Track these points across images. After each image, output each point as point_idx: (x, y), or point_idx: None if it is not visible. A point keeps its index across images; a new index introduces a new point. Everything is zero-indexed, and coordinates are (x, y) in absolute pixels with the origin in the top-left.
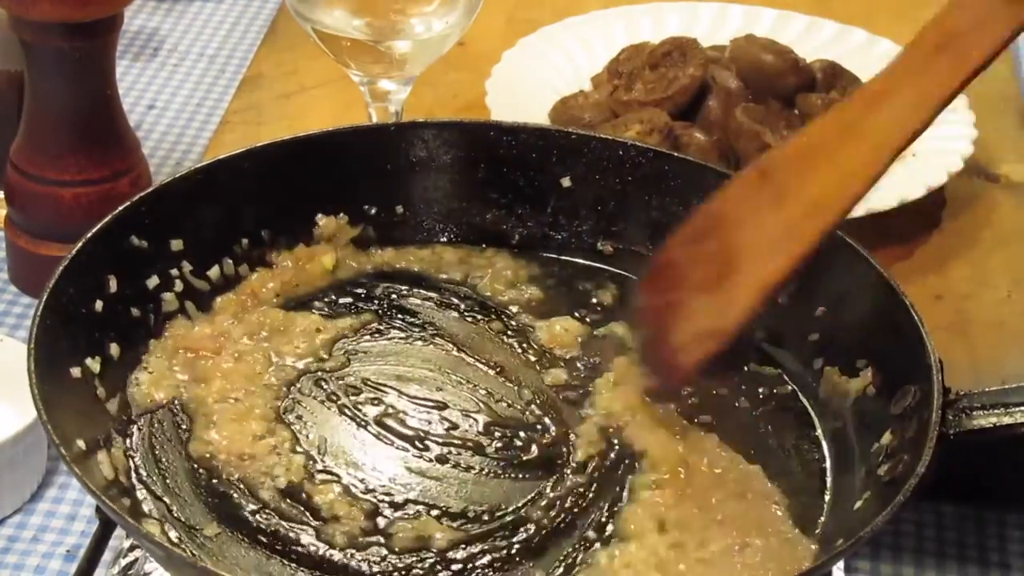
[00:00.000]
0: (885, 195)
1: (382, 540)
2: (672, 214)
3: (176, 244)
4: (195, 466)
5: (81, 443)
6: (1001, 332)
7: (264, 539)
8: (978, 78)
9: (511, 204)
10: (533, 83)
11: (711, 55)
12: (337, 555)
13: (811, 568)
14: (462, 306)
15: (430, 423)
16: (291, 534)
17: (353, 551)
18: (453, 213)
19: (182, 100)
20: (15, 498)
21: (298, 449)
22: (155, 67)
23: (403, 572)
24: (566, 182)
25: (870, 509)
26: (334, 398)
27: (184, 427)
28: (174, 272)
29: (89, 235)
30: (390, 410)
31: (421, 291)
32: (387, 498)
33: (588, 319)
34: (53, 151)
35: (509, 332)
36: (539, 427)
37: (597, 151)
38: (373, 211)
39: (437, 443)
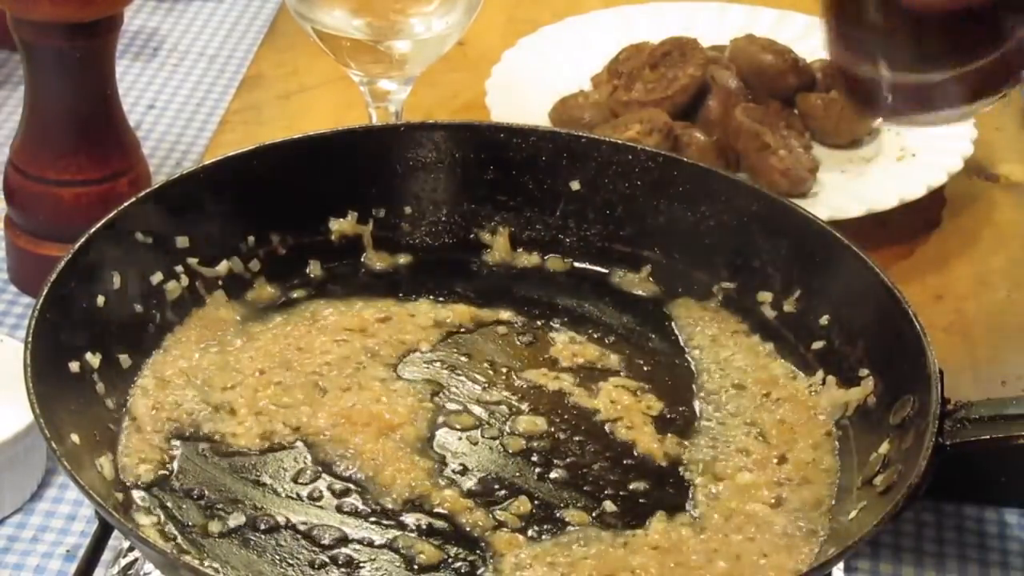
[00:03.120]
0: (885, 195)
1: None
2: (679, 219)
3: (182, 241)
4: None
5: (76, 439)
6: (1001, 332)
7: (254, 536)
8: None
9: (520, 207)
10: (533, 83)
11: (711, 55)
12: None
13: None
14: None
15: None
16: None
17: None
18: (462, 215)
19: (182, 100)
20: (15, 498)
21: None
22: (155, 67)
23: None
24: (575, 186)
25: (865, 519)
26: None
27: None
28: (179, 269)
29: (93, 230)
30: None
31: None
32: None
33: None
34: (53, 151)
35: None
36: None
37: (607, 155)
38: (382, 213)
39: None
